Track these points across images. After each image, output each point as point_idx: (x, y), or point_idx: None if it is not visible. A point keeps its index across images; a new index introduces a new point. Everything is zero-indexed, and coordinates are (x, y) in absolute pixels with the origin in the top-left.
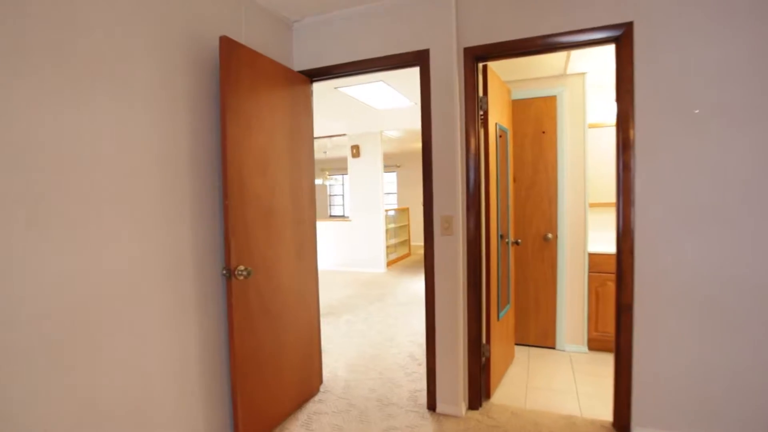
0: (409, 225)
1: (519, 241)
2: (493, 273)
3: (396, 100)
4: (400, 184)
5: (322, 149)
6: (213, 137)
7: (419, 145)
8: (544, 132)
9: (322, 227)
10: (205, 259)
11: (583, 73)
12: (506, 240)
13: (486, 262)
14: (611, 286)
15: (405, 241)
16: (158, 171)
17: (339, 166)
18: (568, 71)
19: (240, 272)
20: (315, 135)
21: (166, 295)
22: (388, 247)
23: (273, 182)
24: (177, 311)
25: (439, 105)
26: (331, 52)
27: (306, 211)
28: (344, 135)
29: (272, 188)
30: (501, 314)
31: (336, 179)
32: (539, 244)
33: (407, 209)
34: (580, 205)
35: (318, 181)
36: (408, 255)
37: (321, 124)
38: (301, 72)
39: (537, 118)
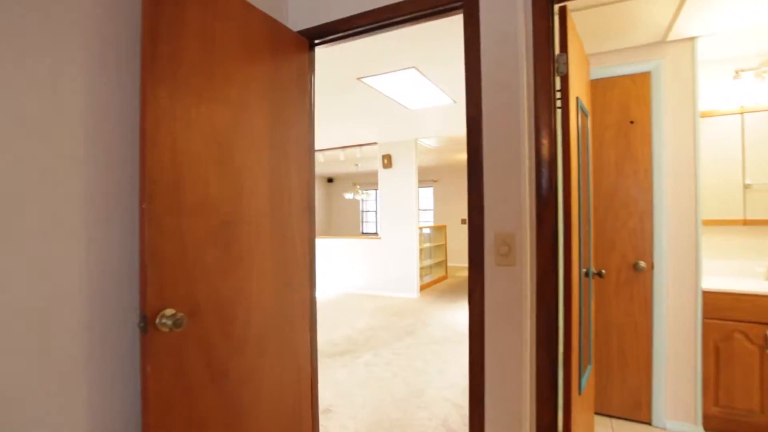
0: (446, 244)
1: (603, 272)
2: (575, 323)
3: (432, 97)
4: (437, 199)
5: (353, 161)
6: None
7: (460, 156)
8: (632, 122)
9: (348, 245)
10: (112, 298)
11: (693, 38)
12: (585, 270)
13: (565, 306)
14: (741, 341)
15: (441, 262)
16: (11, 147)
17: (372, 181)
18: (671, 36)
19: (164, 321)
20: (343, 144)
21: (22, 363)
22: (422, 268)
23: (238, 180)
24: (45, 389)
25: (493, 65)
26: (338, 3)
27: (296, 222)
28: (375, 144)
29: (236, 188)
30: (583, 382)
31: (368, 194)
32: (626, 275)
33: (444, 227)
34: (688, 223)
35: (349, 195)
36: (444, 278)
37: (347, 129)
38: (299, 33)
39: (622, 104)
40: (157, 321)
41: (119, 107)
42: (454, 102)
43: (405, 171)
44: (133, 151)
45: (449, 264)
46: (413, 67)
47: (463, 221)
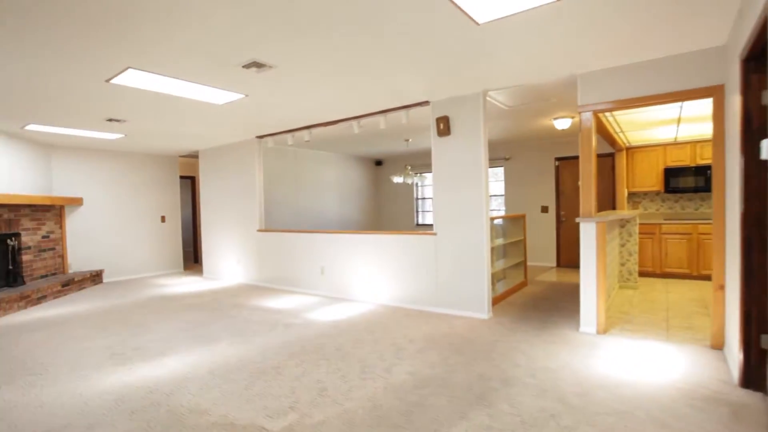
0: (525, 240)
1: None
2: None
3: None
4: (509, 183)
5: (399, 133)
6: None
7: (544, 121)
8: None
9: (393, 243)
10: None
11: None
12: None
13: None
14: None
15: (519, 263)
16: None
17: (428, 162)
18: None
19: None
20: (383, 107)
21: None
22: (493, 273)
23: None
24: None
25: None
26: None
27: None
28: (426, 104)
29: None
30: None
31: (424, 177)
32: None
33: (523, 217)
34: None
35: (397, 179)
36: (523, 284)
37: (384, 81)
38: None
39: None
40: None
41: None
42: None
43: (469, 138)
44: None
45: (530, 263)
46: None
47: (543, 209)
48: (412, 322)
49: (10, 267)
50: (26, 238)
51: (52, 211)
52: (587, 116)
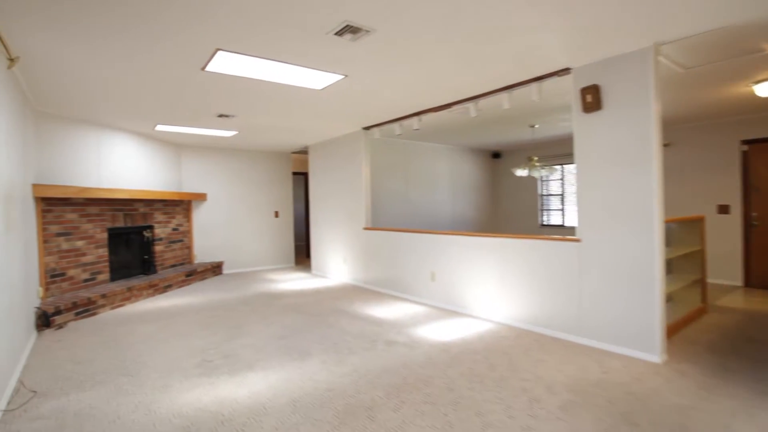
0: (704, 249)
1: None
2: None
3: None
4: (670, 175)
5: (525, 119)
6: None
7: (736, 87)
8: None
9: (518, 248)
10: None
11: None
12: None
13: None
14: None
15: (695, 282)
16: None
17: (554, 153)
18: None
19: None
20: (507, 81)
21: None
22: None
23: None
24: None
25: None
26: None
27: None
28: (567, 71)
29: None
30: None
31: (553, 169)
32: None
33: (701, 219)
34: None
35: (521, 172)
36: (702, 311)
37: (504, 29)
38: None
39: None
40: None
41: None
42: None
43: (629, 113)
44: None
45: (709, 280)
46: None
47: (721, 209)
48: (547, 355)
49: (145, 257)
50: (158, 230)
51: (181, 205)
52: None
